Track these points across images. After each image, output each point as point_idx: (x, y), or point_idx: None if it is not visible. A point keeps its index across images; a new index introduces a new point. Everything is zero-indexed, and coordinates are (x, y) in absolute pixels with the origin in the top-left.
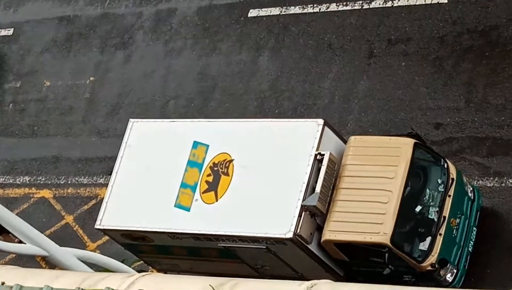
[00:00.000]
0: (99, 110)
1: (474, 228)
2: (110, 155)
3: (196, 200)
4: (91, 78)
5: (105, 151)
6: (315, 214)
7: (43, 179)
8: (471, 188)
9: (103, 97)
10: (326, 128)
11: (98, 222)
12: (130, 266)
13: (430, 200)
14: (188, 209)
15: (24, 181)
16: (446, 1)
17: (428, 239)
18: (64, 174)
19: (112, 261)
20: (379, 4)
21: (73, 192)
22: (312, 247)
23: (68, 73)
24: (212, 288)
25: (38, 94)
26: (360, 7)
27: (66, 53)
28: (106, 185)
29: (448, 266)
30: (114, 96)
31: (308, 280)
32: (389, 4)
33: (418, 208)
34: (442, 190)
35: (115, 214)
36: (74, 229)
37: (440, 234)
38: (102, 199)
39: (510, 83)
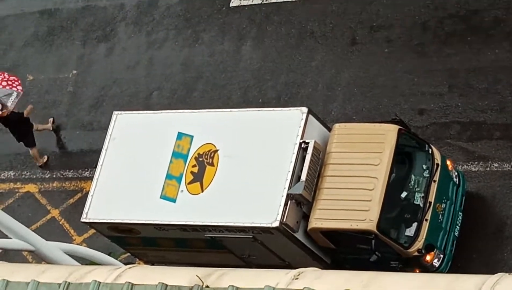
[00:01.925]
0: (82, 103)
1: (460, 213)
2: (94, 148)
3: (182, 191)
4: (74, 72)
5: (89, 144)
6: (301, 203)
7: (28, 173)
8: (456, 173)
9: (86, 90)
10: (310, 116)
11: (84, 215)
12: (117, 259)
13: (416, 186)
14: (174, 201)
15: (9, 176)
16: None
17: (414, 225)
18: (49, 168)
19: (98, 254)
20: None
21: (58, 186)
22: (299, 235)
23: (51, 67)
24: (199, 278)
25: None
26: None
27: (48, 47)
28: (91, 178)
29: (434, 251)
30: (97, 89)
31: (295, 268)
32: None
33: (404, 194)
34: (427, 175)
35: (101, 207)
36: (60, 223)
37: (426, 220)
38: (87, 193)
39: (493, 68)
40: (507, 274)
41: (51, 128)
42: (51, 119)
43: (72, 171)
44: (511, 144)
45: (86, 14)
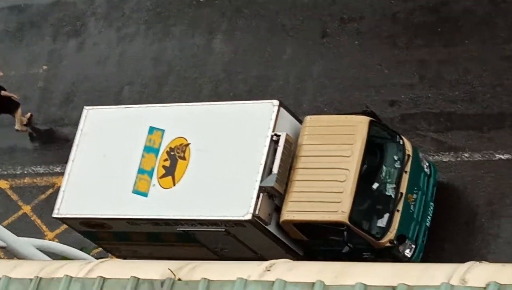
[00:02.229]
0: (53, 98)
1: (431, 203)
2: (65, 143)
3: (154, 185)
4: (44, 67)
5: (60, 140)
6: (273, 195)
7: None
8: (427, 164)
9: (57, 85)
10: (281, 109)
11: (55, 211)
12: (89, 254)
13: (387, 177)
14: (146, 195)
15: None
16: None
17: (386, 215)
18: (20, 164)
19: (71, 250)
20: None
21: (29, 182)
22: (271, 228)
23: (21, 62)
24: (171, 271)
25: None
26: None
27: (18, 43)
28: (62, 173)
29: (406, 242)
30: (68, 84)
31: (267, 261)
32: None
33: (375, 185)
34: (399, 166)
35: (73, 202)
36: (32, 218)
37: (398, 211)
38: (59, 188)
39: (463, 58)
40: (477, 262)
41: (27, 129)
42: (28, 115)
43: (43, 166)
44: (482, 134)
45: (56, 10)
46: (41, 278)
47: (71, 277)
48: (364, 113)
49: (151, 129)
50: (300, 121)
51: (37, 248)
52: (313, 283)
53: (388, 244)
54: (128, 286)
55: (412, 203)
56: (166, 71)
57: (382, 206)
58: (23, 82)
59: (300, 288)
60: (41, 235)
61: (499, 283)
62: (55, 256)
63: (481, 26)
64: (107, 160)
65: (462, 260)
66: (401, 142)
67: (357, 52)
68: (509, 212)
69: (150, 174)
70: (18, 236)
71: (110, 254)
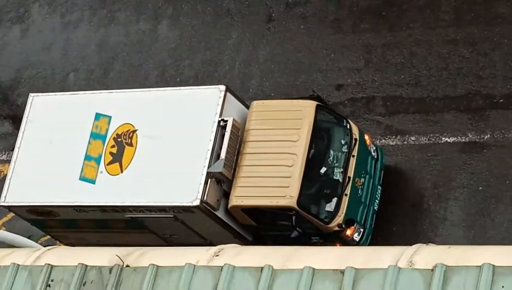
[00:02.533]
0: None
1: (379, 187)
2: (11, 131)
3: (101, 172)
4: None
5: (6, 127)
6: (221, 181)
7: None
8: (374, 148)
9: (1, 72)
10: (228, 94)
11: (2, 199)
12: (37, 242)
13: (335, 161)
14: (93, 182)
15: None
16: None
17: (334, 200)
18: None
19: (18, 238)
20: None
21: None
22: (220, 213)
23: None
24: (119, 258)
25: None
26: None
27: None
28: (8, 161)
29: (355, 225)
30: (12, 71)
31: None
32: None
33: (323, 170)
34: (346, 150)
35: (19, 190)
36: None
37: (346, 195)
38: (5, 176)
39: (408, 42)
40: (424, 245)
41: None
42: None
43: None
44: (428, 117)
45: None
46: None
47: (19, 265)
48: (310, 97)
49: (98, 116)
50: (247, 106)
51: None
52: (262, 268)
53: (336, 228)
54: (76, 273)
55: (360, 187)
56: (112, 57)
57: (330, 190)
58: None
59: (249, 272)
60: None
61: (446, 265)
62: (2, 244)
63: (426, 9)
64: (54, 147)
65: (410, 243)
66: (348, 126)
67: (303, 36)
68: (455, 194)
69: (98, 160)
70: None
71: (58, 242)
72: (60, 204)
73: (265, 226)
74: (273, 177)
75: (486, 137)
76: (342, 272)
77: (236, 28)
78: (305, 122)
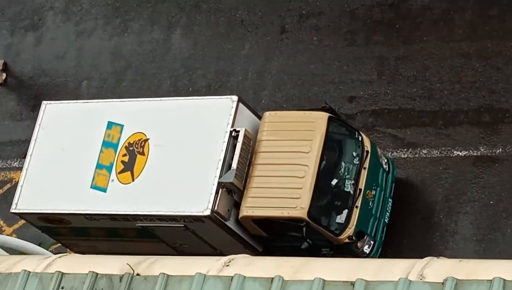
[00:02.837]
0: (11, 93)
1: (390, 200)
2: (24, 138)
3: (112, 180)
4: (2, 61)
5: (18, 134)
6: (232, 191)
7: None
8: (385, 160)
9: (15, 80)
10: (240, 104)
11: (13, 206)
12: (47, 249)
13: (346, 173)
14: (104, 190)
15: None
16: None
17: (345, 212)
18: None
19: (29, 245)
20: None
21: None
22: (230, 223)
23: None
24: (130, 266)
25: None
26: None
27: None
28: (20, 168)
29: (365, 238)
30: (25, 78)
31: None
32: None
33: (334, 182)
34: (357, 162)
35: (31, 197)
36: None
37: (357, 207)
38: (17, 183)
39: (421, 55)
40: (435, 258)
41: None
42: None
43: (1, 161)
44: (440, 130)
45: (13, 3)
46: None
47: (29, 272)
48: (323, 109)
49: (110, 124)
50: (259, 117)
51: None
52: (272, 278)
53: (347, 240)
54: (87, 281)
55: (371, 199)
56: (125, 66)
57: (341, 202)
58: None
59: (259, 283)
60: None
61: (457, 278)
62: (13, 251)
63: (440, 23)
64: (66, 155)
65: (420, 256)
66: (360, 138)
67: (316, 48)
68: (466, 208)
69: (109, 169)
70: None
71: (68, 250)
72: (71, 212)
73: (275, 237)
74: (284, 188)
75: (498, 151)
76: (353, 284)
77: (249, 39)
78: (317, 133)
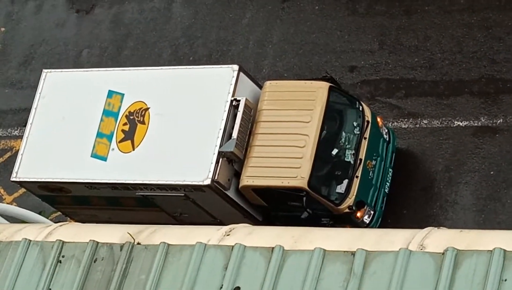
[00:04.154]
0: (11, 61)
1: (390, 170)
2: (24, 106)
3: (113, 149)
4: (2, 29)
5: (19, 103)
6: (233, 160)
7: None
8: (386, 130)
9: (15, 48)
10: (241, 73)
11: (14, 174)
12: (47, 218)
13: (346, 143)
14: (104, 159)
15: None
16: None
17: (345, 181)
18: None
19: (29, 213)
20: None
21: None
22: (230, 193)
23: None
24: (130, 235)
25: None
26: None
27: None
28: (21, 137)
29: (365, 207)
30: (26, 47)
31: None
32: None
33: (335, 151)
34: (358, 132)
35: (31, 166)
36: None
37: (357, 177)
38: (17, 151)
39: (423, 25)
40: (435, 228)
41: None
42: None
43: (1, 129)
44: (440, 101)
45: None
46: None
47: (30, 240)
48: (324, 78)
49: (110, 93)
50: (260, 86)
51: None
52: (273, 248)
53: (347, 210)
54: (87, 250)
55: (371, 169)
56: (125, 34)
57: (341, 172)
58: None
59: (260, 252)
60: None
61: (457, 248)
62: (13, 219)
63: None
64: (66, 124)
65: (420, 227)
66: (361, 108)
67: (317, 17)
68: (466, 178)
69: (109, 138)
70: None
71: (68, 219)
72: (72, 180)
73: (275, 207)
74: (284, 157)
75: (498, 121)
76: (353, 253)
77: (250, 8)
78: (318, 103)
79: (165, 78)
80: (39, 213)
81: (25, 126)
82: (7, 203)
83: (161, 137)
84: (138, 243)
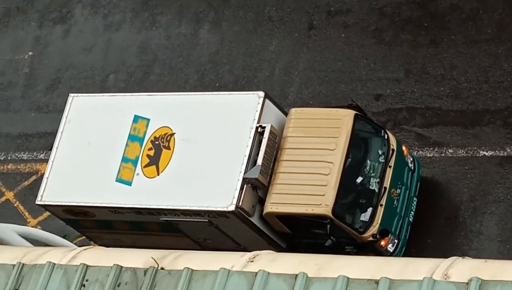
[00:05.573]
0: (38, 85)
1: (415, 199)
2: (50, 130)
3: (138, 174)
4: (30, 53)
5: (45, 127)
6: (257, 187)
7: None
8: (411, 159)
9: (42, 72)
10: (267, 100)
11: (39, 197)
12: (71, 242)
13: (371, 171)
14: (129, 183)
15: None
16: None
17: (369, 210)
18: (4, 150)
19: (53, 237)
20: None
21: (13, 168)
22: (254, 219)
23: (7, 48)
24: (154, 260)
25: None
26: None
27: (4, 28)
28: (46, 160)
29: (389, 236)
30: (53, 71)
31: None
32: None
33: (359, 179)
34: (383, 161)
35: (56, 189)
36: (15, 205)
37: (381, 205)
38: (42, 175)
39: (449, 54)
40: (460, 258)
41: None
42: None
43: (27, 153)
44: (466, 130)
45: None
46: (23, 264)
47: (54, 263)
48: (349, 106)
49: (136, 118)
50: (285, 113)
51: (20, 235)
52: (296, 275)
53: (371, 238)
54: (111, 274)
55: (396, 198)
56: (152, 60)
57: (365, 200)
58: (8, 67)
59: (283, 279)
60: (23, 222)
61: (481, 278)
62: (37, 243)
63: (468, 22)
64: (92, 148)
65: (444, 256)
66: (386, 137)
67: (343, 45)
68: (491, 209)
69: (134, 162)
70: (0, 222)
71: (92, 242)
72: (96, 205)
73: (299, 234)
74: (309, 185)
75: None
76: (377, 282)
77: (277, 35)
78: (343, 131)
79: (191, 104)
80: (63, 237)
81: (50, 149)
82: (32, 227)
83: (186, 162)
84: (162, 268)
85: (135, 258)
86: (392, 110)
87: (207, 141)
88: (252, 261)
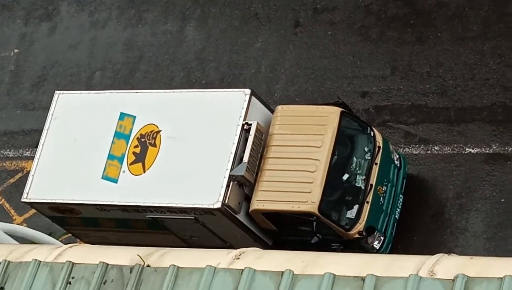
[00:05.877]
0: (24, 82)
1: (401, 196)
2: (36, 127)
3: (124, 171)
4: (16, 50)
5: (30, 124)
6: (243, 184)
7: None
8: (397, 156)
9: (28, 69)
10: (253, 97)
11: (24, 195)
12: (57, 239)
13: (357, 168)
14: (115, 181)
15: None
16: None
17: (356, 207)
18: None
19: (39, 234)
20: None
21: None
22: (241, 217)
23: None
24: (140, 258)
25: None
26: None
27: None
28: (32, 158)
29: (375, 233)
30: (39, 68)
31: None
32: None
33: (345, 177)
34: (369, 158)
35: (42, 187)
36: (0, 202)
37: (367, 202)
38: (28, 172)
39: (435, 51)
40: (446, 255)
41: None
42: None
43: (12, 150)
44: (452, 127)
45: None
46: (9, 261)
47: (40, 261)
48: (335, 104)
49: (122, 115)
50: (272, 111)
51: (6, 232)
52: (282, 272)
53: (357, 236)
54: (97, 271)
55: (382, 195)
56: (138, 57)
57: (351, 197)
58: None
59: (269, 277)
60: (9, 219)
61: (467, 275)
62: (23, 240)
63: (454, 19)
64: (77, 145)
65: (431, 253)
66: (372, 134)
67: (329, 42)
68: (477, 206)
69: (120, 160)
70: None
71: (78, 240)
72: (82, 202)
73: (285, 231)
74: (295, 182)
75: (510, 149)
76: (363, 279)
77: (263, 32)
78: (329, 128)
79: (177, 101)
80: (49, 234)
81: (36, 147)
82: (18, 224)
83: (172, 160)
84: (148, 266)
85: (121, 256)
86: (378, 107)
87: (193, 138)
88: (238, 259)
